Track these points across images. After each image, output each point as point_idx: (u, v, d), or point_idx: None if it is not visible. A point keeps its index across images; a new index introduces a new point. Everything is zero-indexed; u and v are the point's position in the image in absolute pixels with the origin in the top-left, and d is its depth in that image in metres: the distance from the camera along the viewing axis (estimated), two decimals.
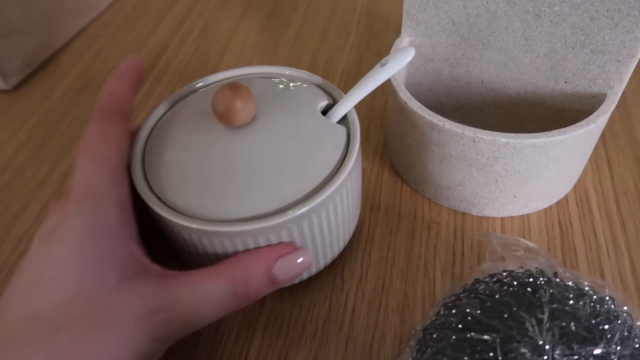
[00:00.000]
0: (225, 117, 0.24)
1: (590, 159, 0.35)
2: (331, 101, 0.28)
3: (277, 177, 0.24)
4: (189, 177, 0.24)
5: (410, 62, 0.36)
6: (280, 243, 0.24)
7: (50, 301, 0.19)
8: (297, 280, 0.27)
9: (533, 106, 0.33)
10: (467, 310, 0.23)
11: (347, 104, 0.27)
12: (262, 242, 0.23)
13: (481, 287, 0.25)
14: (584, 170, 0.34)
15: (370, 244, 0.32)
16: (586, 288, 0.24)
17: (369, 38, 0.48)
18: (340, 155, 0.25)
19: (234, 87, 0.24)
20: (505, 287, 0.24)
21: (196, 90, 0.30)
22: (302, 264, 0.24)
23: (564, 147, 0.28)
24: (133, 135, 0.27)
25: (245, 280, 0.22)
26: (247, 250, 0.23)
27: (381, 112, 0.41)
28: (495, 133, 0.27)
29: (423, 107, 0.29)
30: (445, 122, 0.28)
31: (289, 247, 0.24)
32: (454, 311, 0.24)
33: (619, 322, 0.22)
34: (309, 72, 0.30)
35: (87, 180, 0.22)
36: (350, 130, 0.26)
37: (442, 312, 0.24)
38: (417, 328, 0.25)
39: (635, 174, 0.34)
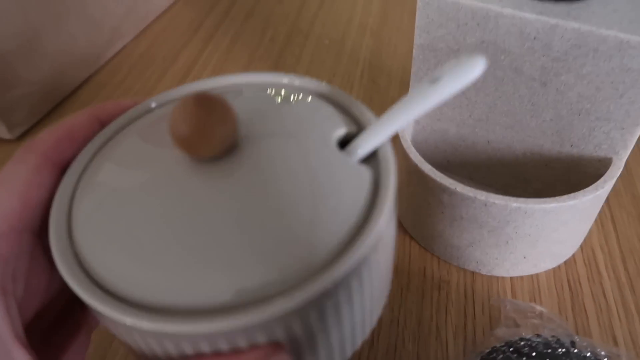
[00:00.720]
0: (187, 145, 0.16)
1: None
2: (354, 128, 0.18)
3: (259, 244, 0.15)
4: (129, 238, 0.16)
5: (417, 121, 0.37)
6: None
7: None
8: None
9: (539, 167, 0.34)
10: None
11: (379, 135, 0.17)
12: (225, 348, 0.15)
13: (499, 357, 0.24)
14: (590, 229, 0.35)
15: None
16: (604, 359, 0.24)
17: (372, 92, 0.49)
18: (360, 215, 0.16)
19: (202, 99, 0.16)
20: (524, 358, 0.24)
21: (150, 110, 0.20)
22: None
23: (574, 211, 0.28)
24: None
25: None
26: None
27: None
28: (507, 198, 0.28)
29: (434, 169, 0.30)
30: (457, 185, 0.29)
31: (261, 352, 0.15)
32: None
33: None
34: (324, 83, 0.20)
35: None
36: (381, 175, 0.17)
37: None
38: None
39: None
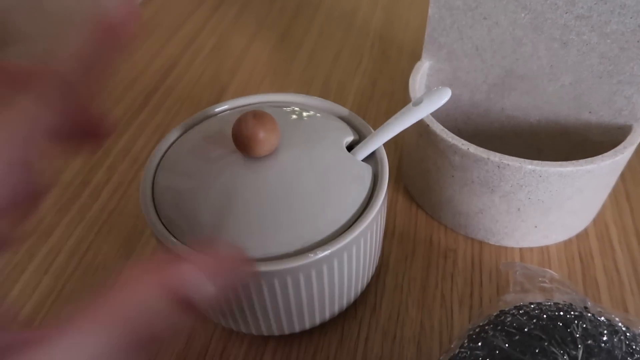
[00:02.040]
0: (246, 147, 0.23)
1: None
2: (357, 137, 0.27)
3: (297, 215, 0.22)
4: (201, 209, 0.22)
5: (428, 86, 0.35)
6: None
7: None
8: (297, 329, 0.25)
9: (554, 136, 0.32)
10: (494, 343, 0.22)
11: (375, 142, 0.25)
12: (277, 285, 0.22)
13: (507, 319, 0.23)
14: (604, 204, 0.33)
15: (384, 271, 0.31)
16: (619, 324, 0.23)
17: (381, 63, 0.47)
18: (365, 195, 0.24)
19: (258, 115, 0.22)
20: (534, 320, 0.23)
21: (212, 115, 0.28)
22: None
23: (590, 177, 0.27)
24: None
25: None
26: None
27: (395, 137, 0.40)
28: (522, 160, 0.27)
29: (446, 130, 0.29)
30: (470, 146, 0.28)
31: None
32: (479, 344, 0.23)
33: None
34: (336, 104, 0.28)
35: None
36: (379, 169, 0.25)
37: (466, 345, 0.23)
38: None
39: None
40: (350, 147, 0.26)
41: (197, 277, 0.15)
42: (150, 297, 0.15)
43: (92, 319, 0.14)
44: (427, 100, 0.25)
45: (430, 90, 0.25)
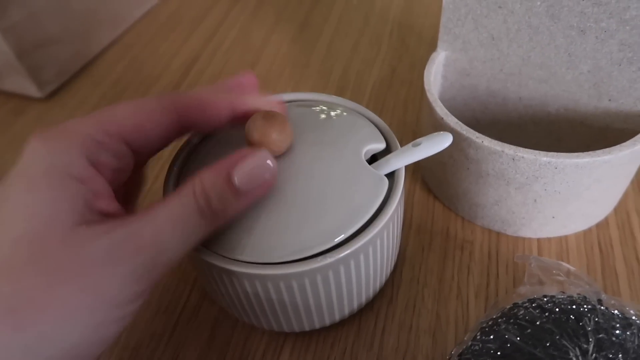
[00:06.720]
0: (255, 147, 0.23)
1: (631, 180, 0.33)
2: (381, 145, 0.26)
3: (308, 219, 0.22)
4: None
5: (444, 77, 0.35)
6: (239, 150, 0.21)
7: None
8: (317, 326, 0.26)
9: (574, 124, 0.32)
10: (506, 336, 0.23)
11: (387, 167, 0.25)
12: (283, 287, 0.22)
13: (520, 313, 0.24)
14: (625, 192, 0.33)
15: (401, 262, 0.31)
16: (633, 317, 0.23)
17: (401, 51, 0.47)
18: (379, 204, 0.23)
19: (268, 116, 0.22)
20: (546, 314, 0.23)
21: None
22: (263, 167, 0.21)
23: (608, 167, 0.27)
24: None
25: (205, 192, 0.20)
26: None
27: (413, 127, 0.40)
28: (536, 152, 0.26)
29: (460, 123, 0.29)
30: (484, 139, 0.27)
31: (247, 151, 0.21)
32: (491, 337, 0.23)
33: None
34: (370, 112, 0.28)
35: (69, 126, 0.20)
36: (395, 182, 0.25)
37: (479, 337, 0.23)
38: (452, 352, 0.24)
39: None
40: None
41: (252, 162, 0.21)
42: (217, 183, 0.20)
43: (178, 193, 0.20)
44: (426, 144, 0.24)
45: (432, 134, 0.25)
